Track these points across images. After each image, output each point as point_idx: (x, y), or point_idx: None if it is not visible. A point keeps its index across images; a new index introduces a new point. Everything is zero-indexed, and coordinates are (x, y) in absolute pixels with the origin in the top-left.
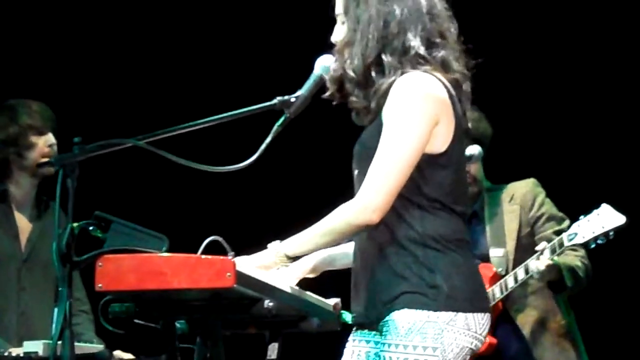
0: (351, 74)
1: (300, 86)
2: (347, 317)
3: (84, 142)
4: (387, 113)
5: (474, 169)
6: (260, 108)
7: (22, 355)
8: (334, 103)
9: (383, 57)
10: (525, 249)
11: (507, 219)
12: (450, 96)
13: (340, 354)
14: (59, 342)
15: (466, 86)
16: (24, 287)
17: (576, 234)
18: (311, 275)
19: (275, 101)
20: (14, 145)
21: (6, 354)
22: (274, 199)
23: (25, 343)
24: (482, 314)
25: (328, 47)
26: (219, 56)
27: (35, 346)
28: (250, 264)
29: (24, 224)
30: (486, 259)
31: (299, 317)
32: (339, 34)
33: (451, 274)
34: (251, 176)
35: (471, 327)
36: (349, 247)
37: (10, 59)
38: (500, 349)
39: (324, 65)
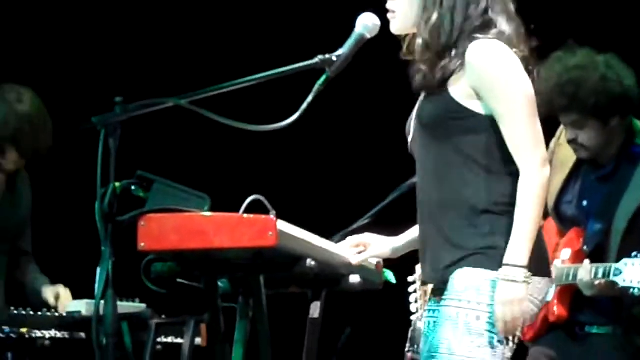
0: (436, 42)
1: (341, 45)
2: (389, 275)
3: (126, 101)
4: (487, 77)
5: (616, 125)
6: (302, 67)
7: (64, 314)
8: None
9: (468, 29)
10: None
11: (628, 195)
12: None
13: (383, 311)
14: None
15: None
16: None
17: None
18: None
19: (316, 60)
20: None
21: (49, 313)
22: (315, 158)
23: (69, 303)
24: (540, 278)
25: (370, 6)
26: (260, 14)
27: (79, 306)
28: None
29: None
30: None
31: (341, 275)
32: None
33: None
34: (293, 135)
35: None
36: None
37: (49, 18)
38: None
39: (366, 24)
